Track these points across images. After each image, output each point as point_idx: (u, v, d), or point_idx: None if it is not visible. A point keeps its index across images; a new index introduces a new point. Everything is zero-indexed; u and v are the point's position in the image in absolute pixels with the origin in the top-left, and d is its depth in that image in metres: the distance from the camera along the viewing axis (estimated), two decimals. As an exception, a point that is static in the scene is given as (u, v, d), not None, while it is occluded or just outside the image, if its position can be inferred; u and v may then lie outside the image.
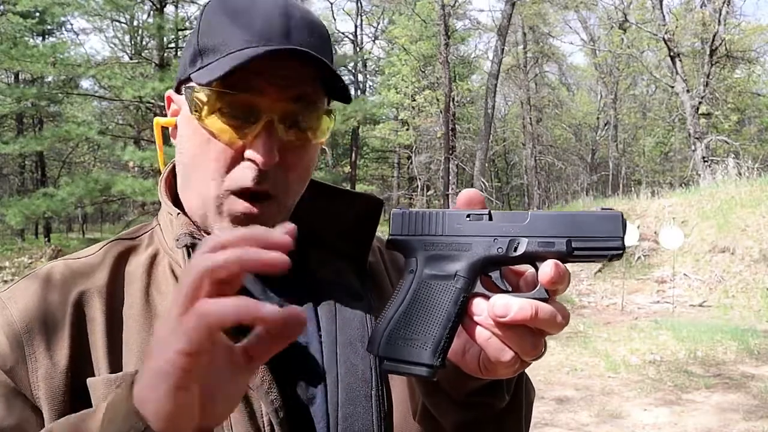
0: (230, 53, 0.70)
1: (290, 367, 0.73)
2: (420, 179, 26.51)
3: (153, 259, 0.78)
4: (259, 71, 0.69)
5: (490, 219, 0.59)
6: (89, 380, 0.68)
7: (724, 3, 19.95)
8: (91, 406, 0.65)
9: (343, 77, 0.76)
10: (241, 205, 0.72)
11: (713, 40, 20.20)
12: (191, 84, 0.73)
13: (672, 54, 19.40)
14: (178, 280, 0.62)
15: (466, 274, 0.59)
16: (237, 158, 0.72)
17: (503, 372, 0.61)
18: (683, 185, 17.75)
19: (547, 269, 0.57)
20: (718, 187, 14.09)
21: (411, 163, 29.00)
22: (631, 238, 10.19)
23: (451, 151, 20.82)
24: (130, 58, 18.79)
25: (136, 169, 11.82)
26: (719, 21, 19.86)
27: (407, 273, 0.62)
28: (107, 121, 21.97)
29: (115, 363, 0.69)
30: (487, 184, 21.30)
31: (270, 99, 0.71)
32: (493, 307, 0.57)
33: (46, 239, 19.95)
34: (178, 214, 0.75)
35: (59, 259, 0.78)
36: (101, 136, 14.41)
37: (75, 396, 0.68)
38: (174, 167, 0.84)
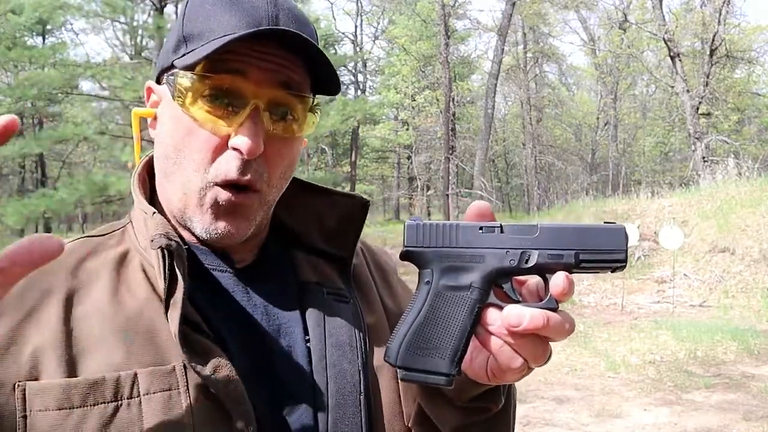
0: (216, 38, 0.68)
1: (275, 372, 0.71)
2: (420, 179, 26.51)
3: (123, 258, 0.73)
4: (245, 54, 0.67)
5: (502, 231, 0.61)
6: (29, 384, 0.61)
7: (724, 3, 19.95)
8: (30, 415, 0.60)
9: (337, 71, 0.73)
10: (224, 194, 0.69)
11: (713, 40, 20.20)
12: (174, 70, 0.71)
13: (672, 54, 19.40)
14: None
15: (480, 285, 0.62)
16: (221, 148, 0.69)
17: (511, 378, 0.63)
18: (683, 185, 17.74)
19: (558, 281, 0.59)
20: (718, 187, 14.08)
21: (411, 163, 29.00)
22: (631, 238, 10.18)
23: (451, 151, 20.82)
24: (131, 59, 18.80)
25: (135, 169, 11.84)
26: (719, 21, 19.86)
27: (422, 284, 0.63)
28: (107, 121, 21.99)
29: (73, 367, 0.63)
30: (487, 184, 21.30)
31: (256, 83, 0.68)
32: (508, 317, 0.60)
33: (46, 239, 19.95)
34: (154, 213, 0.70)
35: None
36: (100, 136, 14.41)
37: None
38: (148, 162, 0.80)
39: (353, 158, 29.51)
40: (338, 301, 0.79)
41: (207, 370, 0.63)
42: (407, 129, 29.50)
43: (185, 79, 0.68)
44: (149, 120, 0.77)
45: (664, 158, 32.31)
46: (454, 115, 22.07)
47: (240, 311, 0.73)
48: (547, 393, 5.96)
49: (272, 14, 0.70)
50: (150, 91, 0.77)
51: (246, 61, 0.68)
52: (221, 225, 0.70)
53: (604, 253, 0.60)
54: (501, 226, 0.61)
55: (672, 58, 19.58)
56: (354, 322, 0.78)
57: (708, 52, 20.50)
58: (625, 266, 0.61)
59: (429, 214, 30.92)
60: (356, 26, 32.65)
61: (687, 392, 5.96)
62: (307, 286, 0.78)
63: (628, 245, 0.61)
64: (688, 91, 19.41)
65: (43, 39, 19.27)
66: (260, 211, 0.73)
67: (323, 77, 0.73)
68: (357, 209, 0.82)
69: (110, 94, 14.12)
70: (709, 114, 22.02)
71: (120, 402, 0.62)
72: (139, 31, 16.27)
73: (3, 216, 10.56)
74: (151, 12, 12.71)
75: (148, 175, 0.80)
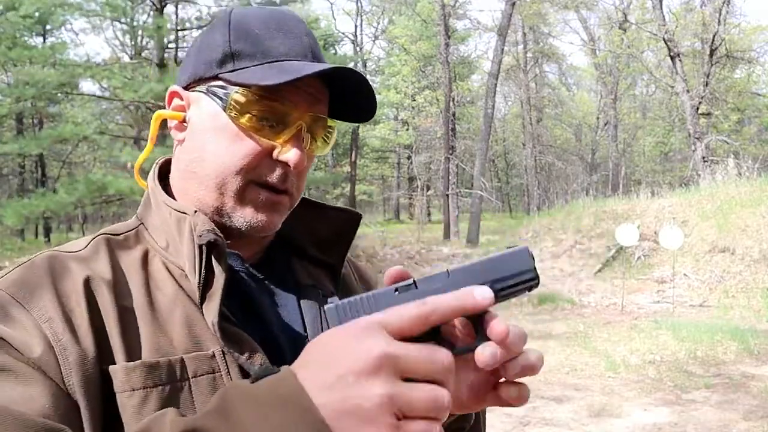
0: (269, 62, 0.77)
1: (286, 363, 0.74)
2: (420, 179, 26.52)
3: (145, 257, 0.79)
4: (296, 84, 0.75)
5: (416, 287, 0.61)
6: (111, 367, 0.68)
7: (724, 3, 19.96)
8: (108, 394, 0.67)
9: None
10: (266, 194, 0.78)
11: (713, 40, 20.21)
12: (220, 83, 0.78)
13: (672, 54, 19.40)
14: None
15: None
16: (263, 156, 0.77)
17: (488, 405, 0.67)
18: (683, 185, 17.74)
19: (498, 329, 0.58)
20: (718, 187, 14.08)
21: (411, 163, 29.02)
22: (631, 238, 10.20)
23: (451, 151, 20.83)
24: (131, 59, 18.79)
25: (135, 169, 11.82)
26: (719, 21, 19.86)
27: None
28: (107, 121, 21.97)
29: (130, 352, 0.69)
30: (487, 184, 21.30)
31: (301, 106, 0.78)
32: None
33: (46, 239, 19.96)
34: (196, 212, 0.76)
35: (48, 251, 0.77)
36: (100, 136, 14.39)
37: (103, 384, 0.68)
38: (164, 164, 0.87)
39: (353, 158, 29.46)
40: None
41: (243, 357, 0.71)
42: (407, 129, 29.51)
43: (239, 95, 0.76)
44: (171, 122, 0.83)
45: (664, 158, 32.32)
46: (454, 115, 22.08)
47: (255, 305, 0.80)
48: (547, 393, 5.96)
49: (310, 44, 0.81)
50: (174, 95, 0.83)
51: (296, 88, 0.77)
52: (262, 217, 0.79)
53: (515, 277, 0.61)
54: (414, 282, 0.61)
55: (672, 58, 19.58)
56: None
57: (708, 52, 20.51)
58: (537, 283, 0.62)
59: (429, 214, 30.93)
60: (356, 26, 32.62)
61: (687, 392, 5.96)
62: (305, 287, 0.86)
63: (535, 263, 0.62)
64: (688, 91, 19.42)
65: (44, 39, 19.25)
66: (287, 212, 0.82)
67: (357, 108, 0.84)
68: (349, 223, 0.90)
69: (110, 94, 14.10)
70: (709, 114, 22.03)
71: (173, 384, 0.69)
72: (139, 31, 16.27)
73: (3, 216, 10.55)
74: (151, 12, 12.70)
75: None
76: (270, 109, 0.77)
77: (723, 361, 6.93)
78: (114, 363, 0.68)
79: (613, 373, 6.59)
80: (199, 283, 0.72)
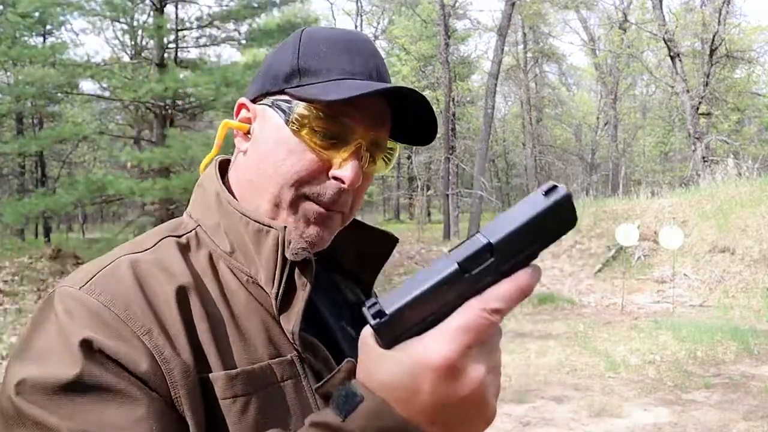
0: (333, 80, 0.78)
1: None
2: (420, 179, 26.50)
3: (211, 261, 0.79)
4: (357, 100, 0.76)
5: (466, 274, 0.54)
6: (212, 375, 0.69)
7: (724, 3, 19.96)
8: (209, 403, 0.67)
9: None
10: (316, 207, 0.79)
11: (713, 40, 20.20)
12: (285, 97, 0.79)
13: (672, 54, 19.40)
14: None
15: None
16: (320, 172, 0.78)
17: None
18: (683, 185, 17.74)
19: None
20: (718, 187, 14.08)
21: (411, 163, 29.00)
22: (631, 238, 10.19)
23: (451, 151, 20.82)
24: (131, 59, 18.79)
25: (135, 169, 11.80)
26: (719, 21, 19.86)
27: None
28: (106, 121, 21.95)
29: (224, 359, 0.70)
30: (487, 184, 21.30)
31: (362, 125, 0.78)
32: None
33: (46, 239, 19.95)
34: (285, 227, 0.77)
35: (121, 251, 0.75)
36: (99, 136, 14.37)
37: (203, 392, 0.69)
38: (223, 163, 0.88)
39: (353, 158, 29.50)
40: None
41: (319, 363, 0.75)
42: (407, 129, 29.48)
43: (302, 109, 0.77)
44: (236, 132, 0.85)
45: (664, 158, 32.32)
46: (454, 115, 22.08)
47: (319, 314, 0.84)
48: (547, 393, 5.96)
49: (377, 64, 0.82)
50: (242, 106, 0.85)
51: (359, 109, 0.78)
52: (313, 231, 0.79)
53: (559, 233, 0.55)
54: (461, 268, 0.53)
55: (672, 58, 19.58)
56: None
57: (708, 52, 20.50)
58: (575, 224, 0.55)
59: (429, 214, 30.94)
60: (356, 26, 32.60)
61: (687, 392, 5.96)
62: (354, 306, 0.91)
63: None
64: (688, 91, 19.42)
65: (44, 39, 19.24)
66: (338, 229, 0.83)
67: (416, 128, 0.84)
68: (388, 245, 0.93)
69: (110, 94, 14.09)
70: (709, 114, 22.02)
71: (267, 389, 0.72)
72: (139, 31, 16.25)
73: (3, 216, 10.55)
74: (151, 12, 12.68)
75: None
76: (331, 125, 0.77)
77: (723, 361, 6.93)
78: (210, 370, 0.69)
79: (613, 373, 6.58)
80: (277, 293, 0.74)
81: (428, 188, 28.44)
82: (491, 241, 0.52)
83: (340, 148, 0.78)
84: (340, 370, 0.62)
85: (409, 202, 32.96)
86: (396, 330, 0.53)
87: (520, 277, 0.53)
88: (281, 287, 0.74)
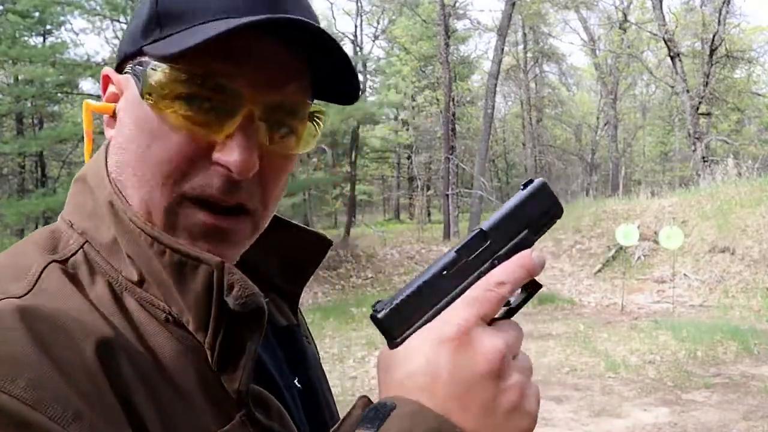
0: (203, 23, 0.54)
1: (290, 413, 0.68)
2: (420, 179, 26.51)
3: (114, 295, 0.56)
4: (241, 47, 0.54)
5: (461, 258, 0.58)
6: None
7: (724, 3, 19.96)
8: None
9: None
10: (202, 217, 0.56)
11: (713, 40, 20.20)
12: (144, 59, 0.56)
13: (672, 54, 19.39)
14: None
15: None
16: (200, 160, 0.55)
17: None
18: (683, 185, 17.75)
19: None
20: (717, 187, 14.08)
21: (411, 163, 28.99)
22: (630, 238, 10.19)
23: (451, 151, 20.81)
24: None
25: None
26: (719, 21, 19.86)
27: None
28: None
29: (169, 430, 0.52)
30: (487, 184, 21.28)
31: (252, 85, 0.55)
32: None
33: (46, 239, 19.94)
34: (223, 263, 0.54)
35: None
36: (100, 136, 14.33)
37: None
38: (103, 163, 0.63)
39: (353, 158, 29.47)
40: (307, 342, 0.79)
41: (273, 421, 0.59)
42: (407, 129, 29.50)
43: (159, 73, 0.54)
44: (106, 117, 0.63)
45: (664, 158, 32.34)
46: (454, 115, 22.06)
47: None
48: (547, 393, 5.96)
49: None
50: (107, 80, 0.62)
51: (239, 60, 0.55)
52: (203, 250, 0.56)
53: (545, 215, 0.59)
54: (457, 252, 0.56)
55: (672, 58, 19.57)
56: (318, 361, 0.79)
57: (708, 52, 20.50)
58: (562, 212, 0.60)
59: (429, 214, 30.90)
60: (356, 26, 32.67)
61: (687, 392, 5.96)
62: (285, 329, 0.73)
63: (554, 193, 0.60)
64: (688, 91, 19.41)
65: (44, 39, 19.26)
66: (252, 238, 0.61)
67: (336, 82, 0.61)
68: (319, 248, 0.74)
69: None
70: (709, 114, 22.02)
71: None
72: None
73: (3, 216, 10.56)
74: (151, 12, 12.73)
75: None
76: (200, 89, 0.54)
77: (723, 361, 6.93)
78: None
79: (613, 373, 6.58)
80: (213, 345, 0.56)
81: (428, 188, 28.45)
82: (483, 228, 0.56)
83: (222, 120, 0.55)
84: (355, 407, 0.54)
85: (409, 202, 32.93)
86: (404, 322, 0.53)
87: (518, 255, 0.54)
88: (219, 339, 0.55)
